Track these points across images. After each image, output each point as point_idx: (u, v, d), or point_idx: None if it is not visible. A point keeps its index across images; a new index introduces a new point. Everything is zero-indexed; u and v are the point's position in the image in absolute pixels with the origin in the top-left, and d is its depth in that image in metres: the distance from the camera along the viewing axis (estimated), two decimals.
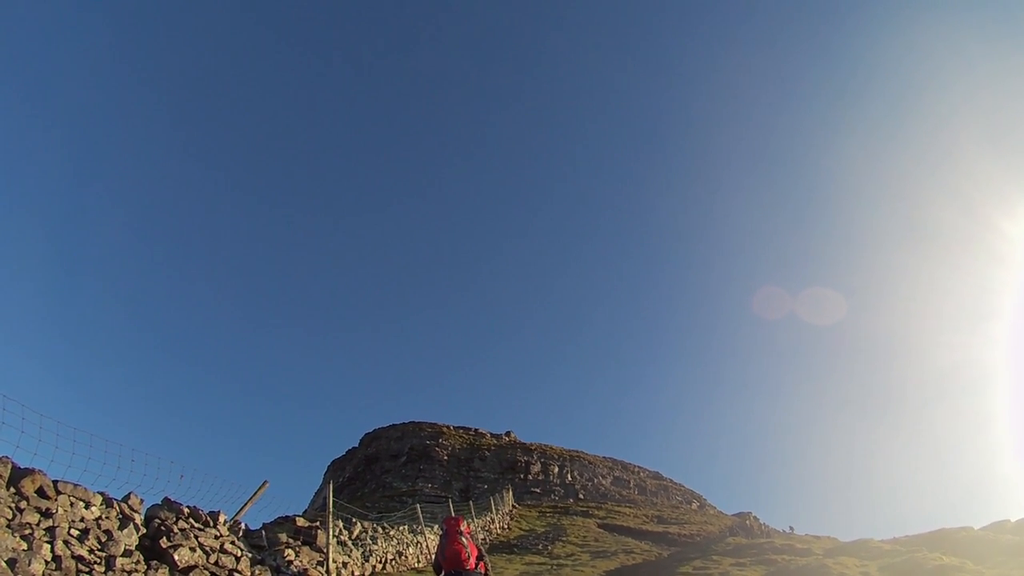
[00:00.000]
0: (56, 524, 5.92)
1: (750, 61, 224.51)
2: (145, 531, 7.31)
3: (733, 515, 54.99)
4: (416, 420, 63.51)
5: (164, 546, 7.28)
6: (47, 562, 5.70)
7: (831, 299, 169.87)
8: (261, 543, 9.76)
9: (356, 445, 64.78)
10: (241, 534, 9.33)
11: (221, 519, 8.70)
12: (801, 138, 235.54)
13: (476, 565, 7.13)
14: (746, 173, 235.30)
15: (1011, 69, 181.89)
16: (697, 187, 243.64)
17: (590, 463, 60.37)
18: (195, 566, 7.58)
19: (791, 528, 36.63)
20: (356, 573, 12.37)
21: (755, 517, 49.38)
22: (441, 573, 7.17)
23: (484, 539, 22.92)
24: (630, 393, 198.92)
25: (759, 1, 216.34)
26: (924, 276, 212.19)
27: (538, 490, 54.01)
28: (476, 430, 64.43)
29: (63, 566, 5.82)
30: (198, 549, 7.79)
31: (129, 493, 7.34)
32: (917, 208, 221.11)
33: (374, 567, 13.46)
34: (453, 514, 21.08)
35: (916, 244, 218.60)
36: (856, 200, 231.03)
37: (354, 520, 14.04)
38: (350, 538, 13.22)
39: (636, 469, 64.42)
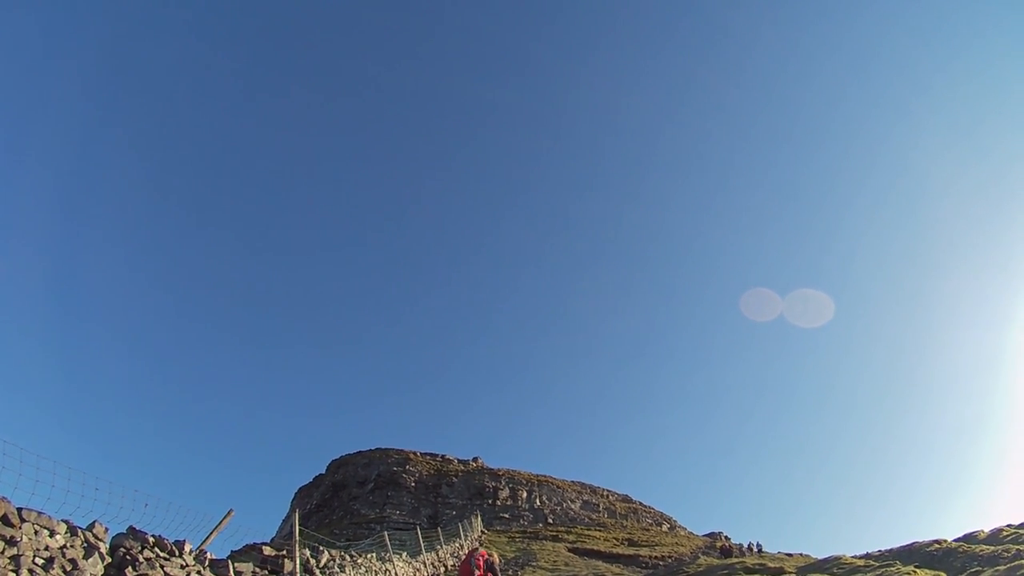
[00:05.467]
0: (21, 552, 5.77)
1: (739, 61, 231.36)
2: (110, 560, 7.14)
3: (704, 535, 55.44)
4: (382, 447, 62.50)
5: (130, 575, 7.13)
6: None
7: (819, 301, 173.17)
8: (227, 572, 9.55)
9: (323, 472, 63.36)
10: (207, 563, 9.12)
11: (187, 548, 8.53)
12: (791, 137, 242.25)
13: None
14: (733, 173, 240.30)
15: (1005, 67, 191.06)
16: (683, 188, 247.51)
17: (559, 487, 60.16)
18: None
19: (759, 545, 37.06)
20: None
21: (727, 537, 49.85)
22: None
23: (454, 565, 22.59)
24: (598, 415, 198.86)
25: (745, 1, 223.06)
26: (914, 278, 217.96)
27: (507, 515, 53.50)
28: (443, 456, 63.68)
29: None
30: None
31: (94, 521, 7.16)
32: (908, 208, 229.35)
33: None
34: (421, 540, 20.83)
35: (907, 245, 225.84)
36: (845, 200, 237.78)
37: (321, 548, 13.77)
38: (318, 566, 12.95)
39: (605, 493, 64.44)
